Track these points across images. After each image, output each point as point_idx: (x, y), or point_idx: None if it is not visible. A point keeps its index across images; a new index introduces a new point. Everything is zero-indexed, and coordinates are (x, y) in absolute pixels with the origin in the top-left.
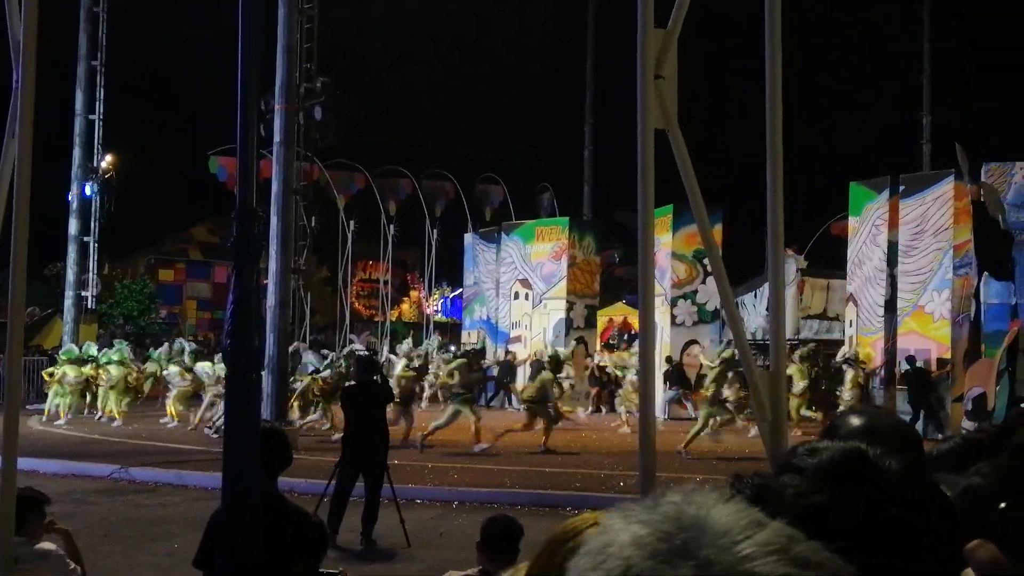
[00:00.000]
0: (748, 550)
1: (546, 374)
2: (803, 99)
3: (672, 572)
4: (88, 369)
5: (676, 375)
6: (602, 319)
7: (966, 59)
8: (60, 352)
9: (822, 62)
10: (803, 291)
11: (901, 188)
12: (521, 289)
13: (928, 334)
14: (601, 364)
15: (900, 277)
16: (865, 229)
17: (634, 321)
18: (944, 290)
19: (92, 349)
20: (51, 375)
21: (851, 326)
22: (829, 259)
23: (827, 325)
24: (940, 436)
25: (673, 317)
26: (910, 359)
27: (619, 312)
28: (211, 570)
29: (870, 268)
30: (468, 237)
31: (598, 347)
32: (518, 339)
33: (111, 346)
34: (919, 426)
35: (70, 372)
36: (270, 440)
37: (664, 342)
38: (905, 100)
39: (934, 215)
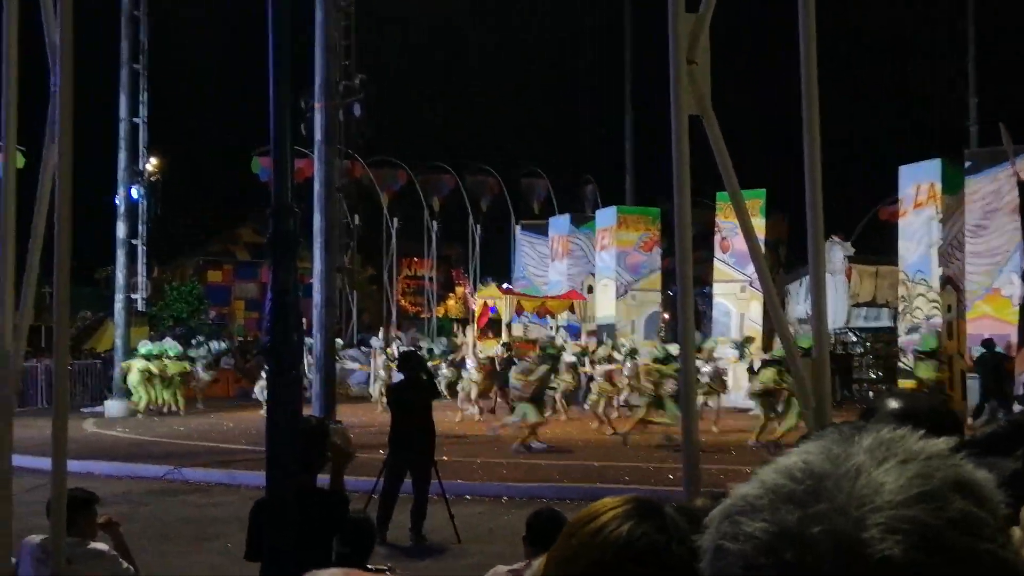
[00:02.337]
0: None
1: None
2: (847, 84)
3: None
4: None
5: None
6: (480, 301)
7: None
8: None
9: (865, 46)
10: (851, 278)
11: (968, 164)
12: (596, 283)
13: (1006, 318)
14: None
15: (968, 258)
16: (971, 209)
17: (528, 304)
18: None
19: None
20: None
21: (950, 311)
22: (877, 245)
23: (876, 312)
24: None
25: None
26: (987, 343)
27: (497, 295)
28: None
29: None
30: (517, 230)
31: (476, 333)
32: (592, 333)
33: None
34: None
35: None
36: (305, 437)
37: (749, 328)
38: (951, 82)
39: (1008, 192)
